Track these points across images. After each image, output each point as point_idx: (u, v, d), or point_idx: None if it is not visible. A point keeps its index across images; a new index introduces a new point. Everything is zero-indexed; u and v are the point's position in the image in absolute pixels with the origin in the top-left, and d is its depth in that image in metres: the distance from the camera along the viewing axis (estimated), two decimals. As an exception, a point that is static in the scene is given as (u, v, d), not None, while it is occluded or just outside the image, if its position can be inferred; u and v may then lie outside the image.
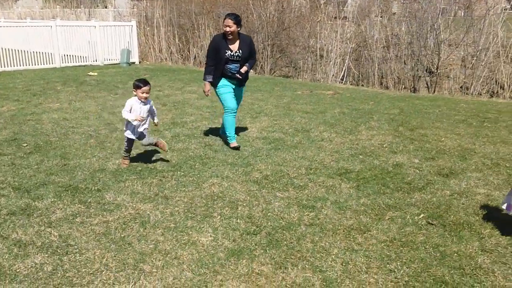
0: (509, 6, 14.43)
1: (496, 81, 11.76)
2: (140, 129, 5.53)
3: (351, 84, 13.61)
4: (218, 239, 3.91)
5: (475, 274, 3.39)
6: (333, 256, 3.64)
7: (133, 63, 16.82)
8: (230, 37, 6.13)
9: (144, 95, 5.38)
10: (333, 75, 13.91)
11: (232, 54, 6.18)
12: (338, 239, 3.92)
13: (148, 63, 17.60)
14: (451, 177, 5.37)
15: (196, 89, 11.13)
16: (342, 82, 13.77)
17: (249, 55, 6.29)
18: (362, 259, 3.61)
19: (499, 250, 3.73)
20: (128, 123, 5.49)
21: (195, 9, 17.48)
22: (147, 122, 5.60)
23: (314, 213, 4.41)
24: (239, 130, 7.19)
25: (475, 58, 12.13)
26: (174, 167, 5.66)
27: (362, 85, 13.38)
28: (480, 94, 11.77)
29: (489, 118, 8.47)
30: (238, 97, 6.57)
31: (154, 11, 18.38)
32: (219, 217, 4.34)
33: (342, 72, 13.86)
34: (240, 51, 6.20)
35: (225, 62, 6.18)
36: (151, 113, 5.64)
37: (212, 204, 4.61)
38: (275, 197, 4.80)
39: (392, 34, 13.40)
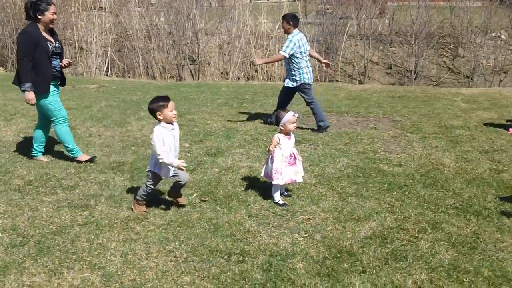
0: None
1: (250, 65, 12.94)
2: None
3: (117, 76, 13.36)
4: (-22, 259, 3.47)
5: (244, 238, 3.75)
6: (112, 250, 3.58)
7: None
8: (51, 26, 5.26)
9: (175, 112, 4.09)
10: (96, 68, 13.44)
11: (55, 45, 5.27)
12: (115, 233, 3.86)
13: None
14: (218, 155, 5.77)
15: None
16: (107, 75, 13.41)
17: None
18: (142, 247, 3.64)
19: (263, 213, 4.18)
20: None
21: None
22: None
23: (88, 212, 4.25)
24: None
25: (230, 45, 13.13)
26: None
27: (129, 77, 13.26)
28: (239, 78, 12.83)
29: (247, 99, 9.32)
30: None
31: None
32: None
33: (106, 65, 13.50)
34: (58, 42, 5.36)
35: (49, 58, 5.19)
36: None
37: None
38: (41, 202, 4.45)
39: (151, 24, 13.56)
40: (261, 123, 7.32)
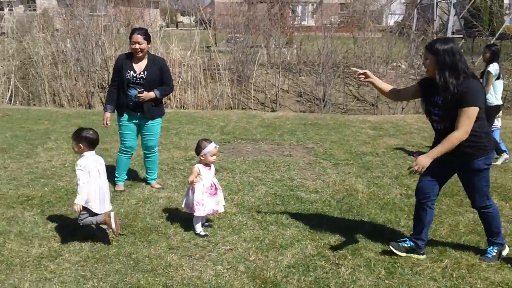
0: (164, 24, 15.97)
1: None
2: None
3: (21, 104, 12.65)
4: None
5: (166, 272, 3.69)
6: (25, 292, 3.38)
7: None
8: (140, 54, 5.05)
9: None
10: (-1, 96, 12.65)
11: (134, 75, 5.09)
12: (28, 272, 3.65)
13: None
14: (135, 186, 5.64)
15: None
16: (10, 103, 12.65)
17: (159, 80, 5.19)
18: (57, 286, 3.46)
19: (184, 245, 4.15)
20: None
21: None
22: None
23: (-5, 251, 3.97)
24: None
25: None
26: None
27: (34, 105, 12.61)
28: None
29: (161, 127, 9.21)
30: (148, 133, 5.41)
31: None
32: None
33: (9, 92, 12.75)
34: (145, 73, 5.10)
35: (127, 85, 5.10)
36: None
37: None
38: None
39: (58, 51, 13.08)
40: (177, 151, 7.29)
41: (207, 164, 4.37)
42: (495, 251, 3.90)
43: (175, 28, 14.88)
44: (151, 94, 5.14)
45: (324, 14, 15.37)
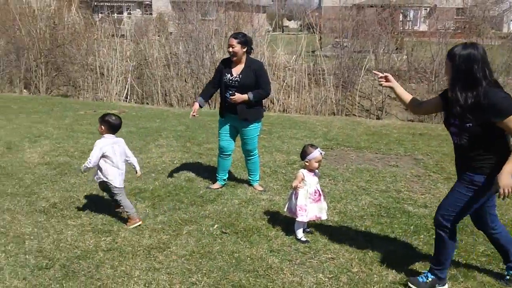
0: (271, 29, 16.21)
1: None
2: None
3: (135, 103, 13.54)
4: (6, 280, 3.49)
5: (267, 274, 3.71)
6: (135, 279, 3.58)
7: None
8: (234, 58, 5.26)
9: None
10: (116, 94, 13.64)
11: (230, 78, 5.29)
12: (138, 261, 3.87)
13: None
14: (238, 187, 5.76)
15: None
16: (126, 101, 13.60)
17: (254, 83, 5.26)
18: (165, 277, 3.63)
19: (284, 249, 4.15)
20: None
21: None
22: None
23: (111, 237, 4.26)
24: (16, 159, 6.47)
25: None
26: None
27: (147, 103, 13.43)
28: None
29: (264, 130, 9.35)
30: (244, 137, 5.52)
31: None
32: (3, 255, 3.88)
33: (126, 91, 13.70)
34: (240, 76, 5.26)
35: (224, 88, 5.35)
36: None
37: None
38: (66, 225, 4.48)
39: (171, 53, 13.81)
40: (279, 155, 7.34)
41: (311, 170, 4.34)
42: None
43: (281, 33, 15.03)
44: (244, 97, 5.21)
45: (439, 19, 14.58)
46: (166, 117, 10.54)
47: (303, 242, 4.28)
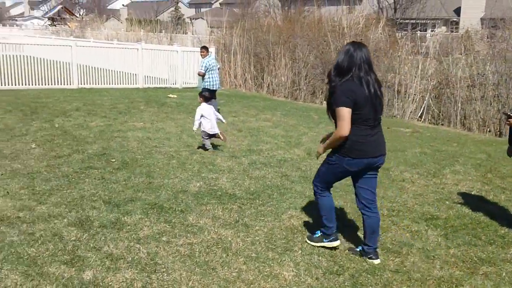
0: None
1: None
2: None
3: (429, 123, 13.16)
4: (301, 275, 3.84)
5: None
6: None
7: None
8: None
9: None
10: (411, 112, 13.55)
11: None
12: (426, 291, 3.71)
13: (223, 88, 17.99)
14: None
15: (270, 117, 11.21)
16: (420, 120, 13.37)
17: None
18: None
19: None
20: None
21: (272, 39, 17.76)
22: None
23: (399, 259, 4.21)
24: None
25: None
26: (253, 195, 5.66)
27: (442, 125, 12.89)
28: None
29: None
30: None
31: (232, 39, 18.89)
32: (300, 251, 4.27)
33: (421, 110, 13.47)
34: None
35: None
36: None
37: (292, 237, 4.55)
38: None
39: (477, 73, 12.88)
40: None
41: None
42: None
43: None
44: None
45: None
46: (464, 142, 9.88)
47: None
